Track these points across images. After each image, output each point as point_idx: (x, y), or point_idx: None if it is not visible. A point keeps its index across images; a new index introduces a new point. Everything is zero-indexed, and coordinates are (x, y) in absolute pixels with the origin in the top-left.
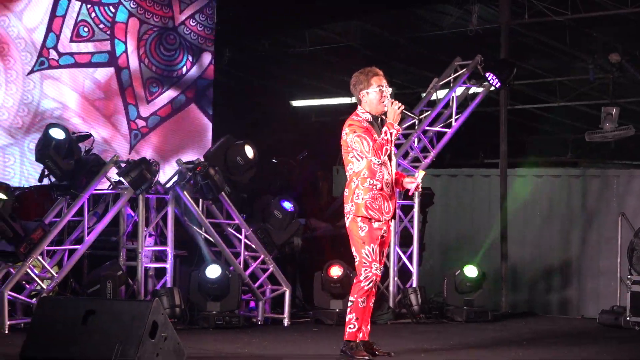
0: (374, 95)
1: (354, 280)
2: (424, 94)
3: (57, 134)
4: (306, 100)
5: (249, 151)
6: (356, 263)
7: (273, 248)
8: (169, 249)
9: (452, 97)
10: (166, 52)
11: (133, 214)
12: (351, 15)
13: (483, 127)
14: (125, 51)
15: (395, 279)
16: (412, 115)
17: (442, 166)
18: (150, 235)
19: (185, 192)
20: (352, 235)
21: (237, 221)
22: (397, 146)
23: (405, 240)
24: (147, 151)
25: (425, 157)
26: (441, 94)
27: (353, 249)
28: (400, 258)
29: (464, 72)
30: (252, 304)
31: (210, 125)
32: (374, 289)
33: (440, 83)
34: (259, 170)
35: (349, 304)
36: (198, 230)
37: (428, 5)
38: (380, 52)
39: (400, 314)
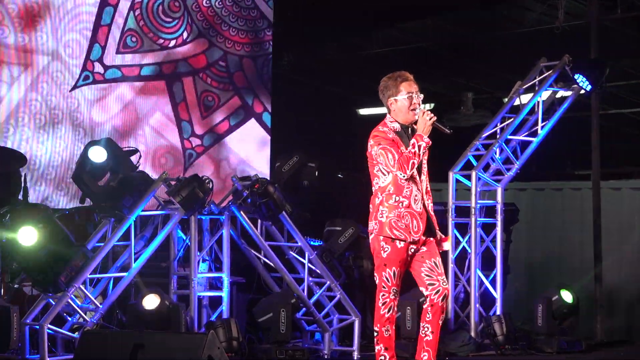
0: (403, 102)
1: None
2: (506, 99)
3: (97, 155)
4: (375, 108)
5: (315, 174)
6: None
7: (340, 273)
8: (225, 276)
9: (538, 102)
10: (222, 63)
11: (185, 237)
12: (425, 14)
13: (573, 135)
14: (177, 63)
15: (477, 305)
16: (445, 129)
17: (528, 179)
18: (204, 260)
19: (242, 212)
20: (374, 256)
21: (299, 244)
22: (477, 157)
23: (487, 263)
24: (202, 171)
25: (508, 170)
26: (525, 98)
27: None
28: (482, 282)
29: (550, 74)
30: (317, 335)
31: (268, 138)
32: (394, 314)
33: (524, 87)
34: (323, 186)
35: (375, 334)
36: (256, 254)
37: (509, 0)
38: (457, 53)
39: (482, 345)
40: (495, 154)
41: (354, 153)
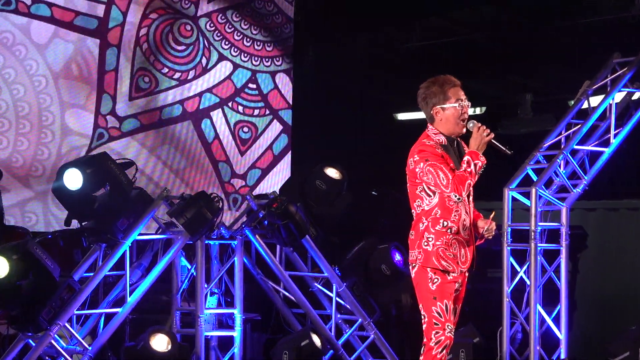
0: (452, 111)
1: (422, 348)
2: (572, 102)
3: (71, 180)
4: (415, 113)
5: (332, 172)
6: (424, 324)
7: (374, 309)
8: (237, 312)
9: (610, 105)
10: (252, 85)
11: (189, 266)
12: (476, 0)
13: None
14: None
15: (538, 348)
16: (505, 150)
17: (598, 197)
18: (212, 293)
19: (257, 237)
20: (420, 289)
21: (326, 274)
22: (538, 172)
23: (550, 297)
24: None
25: (574, 186)
26: (595, 101)
27: (420, 307)
28: (543, 320)
29: (624, 72)
30: None
31: (288, 149)
32: (446, 355)
33: (594, 87)
34: (355, 206)
35: None
36: (275, 286)
37: None
38: (513, 46)
39: None
40: (560, 167)
41: (392, 165)
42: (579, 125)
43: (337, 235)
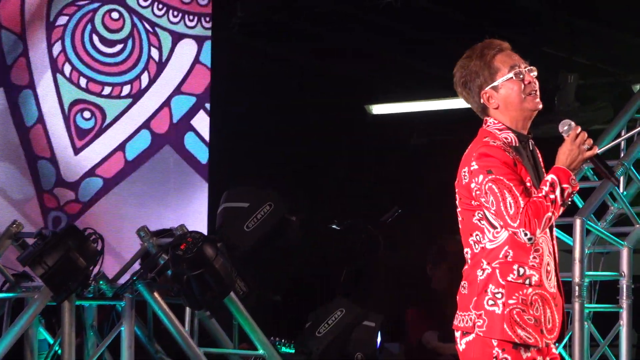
0: (510, 87)
1: None
2: None
3: None
4: (397, 104)
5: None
6: None
7: None
8: None
9: None
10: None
11: (51, 341)
12: None
13: None
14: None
15: None
16: (607, 174)
17: None
18: None
19: (155, 294)
20: None
21: (262, 352)
22: (585, 193)
23: None
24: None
25: None
26: None
27: None
28: None
29: None
30: None
31: (204, 164)
32: None
33: None
34: (309, 247)
35: None
36: None
37: None
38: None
39: None
40: (618, 186)
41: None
42: None
43: (279, 292)
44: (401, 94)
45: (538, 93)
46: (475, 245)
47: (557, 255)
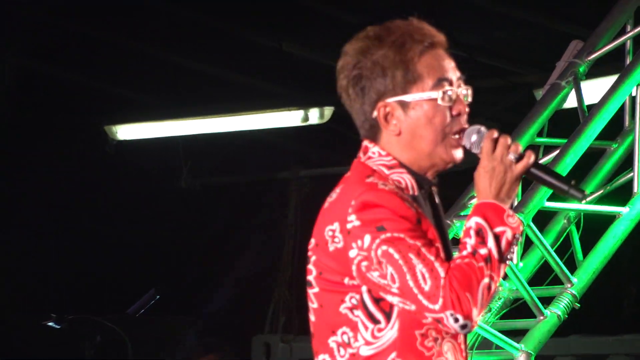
0: (428, 113)
1: None
2: None
3: None
4: (153, 123)
5: None
6: None
7: None
8: None
9: None
10: None
11: None
12: None
13: None
14: None
15: None
16: (562, 185)
17: None
18: None
19: None
20: None
21: None
22: None
23: None
24: None
25: None
26: None
27: None
28: None
29: None
30: None
31: None
32: None
33: None
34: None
35: None
36: None
37: None
38: None
39: None
40: None
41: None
42: None
43: None
44: None
45: (463, 131)
46: (339, 350)
47: None
